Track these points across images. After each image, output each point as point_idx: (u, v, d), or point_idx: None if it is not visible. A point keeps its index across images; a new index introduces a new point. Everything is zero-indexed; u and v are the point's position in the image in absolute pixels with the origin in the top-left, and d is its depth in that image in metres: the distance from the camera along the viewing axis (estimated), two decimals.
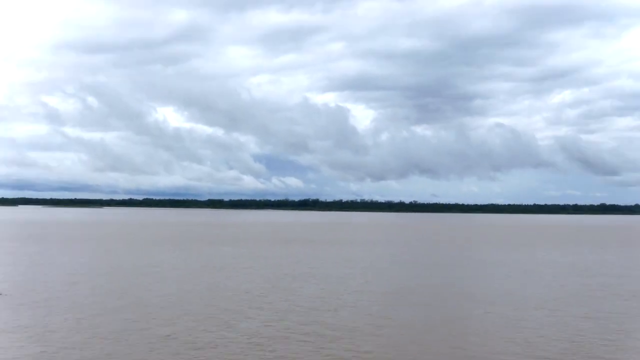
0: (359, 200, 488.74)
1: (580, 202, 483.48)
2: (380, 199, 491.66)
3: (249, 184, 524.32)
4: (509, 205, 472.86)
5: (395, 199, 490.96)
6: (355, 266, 55.22)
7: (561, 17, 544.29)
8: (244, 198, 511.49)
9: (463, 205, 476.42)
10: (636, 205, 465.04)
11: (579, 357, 23.17)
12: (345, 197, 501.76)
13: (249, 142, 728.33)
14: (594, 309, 33.54)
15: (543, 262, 62.23)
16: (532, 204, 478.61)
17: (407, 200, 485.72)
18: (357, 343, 25.11)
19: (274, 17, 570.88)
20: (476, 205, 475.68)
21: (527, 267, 56.16)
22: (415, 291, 39.84)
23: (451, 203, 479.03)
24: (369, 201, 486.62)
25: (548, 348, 24.38)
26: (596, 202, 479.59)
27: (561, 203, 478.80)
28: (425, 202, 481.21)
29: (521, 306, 34.08)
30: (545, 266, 57.60)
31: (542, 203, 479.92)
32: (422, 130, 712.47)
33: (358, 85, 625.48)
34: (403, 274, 49.99)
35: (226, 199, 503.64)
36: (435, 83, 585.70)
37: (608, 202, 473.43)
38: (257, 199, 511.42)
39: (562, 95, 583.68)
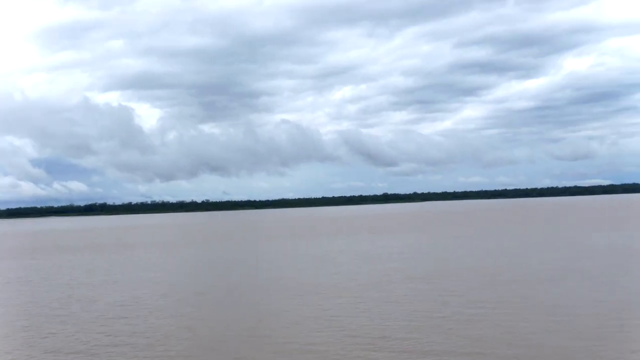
0: (149, 202, 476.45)
1: (365, 193, 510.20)
2: (171, 199, 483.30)
3: (28, 191, 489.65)
4: (299, 199, 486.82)
5: (187, 198, 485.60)
6: (156, 269, 53.88)
7: (338, 17, 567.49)
8: (23, 206, 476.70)
9: (255, 201, 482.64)
10: (414, 193, 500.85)
11: (388, 340, 24.38)
12: (134, 199, 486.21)
13: (26, 146, 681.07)
14: (392, 292, 35.48)
15: (338, 251, 64.78)
16: (320, 196, 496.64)
17: (198, 199, 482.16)
18: (171, 347, 24.54)
19: (47, 12, 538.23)
20: (267, 200, 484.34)
21: (325, 257, 58.18)
22: (221, 289, 39.71)
23: (243, 200, 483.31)
24: (159, 202, 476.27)
25: (360, 333, 25.42)
26: (379, 192, 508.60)
27: (347, 195, 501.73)
28: (218, 200, 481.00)
29: (327, 295, 35.25)
30: (341, 255, 60.03)
31: (330, 195, 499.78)
32: (210, 128, 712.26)
33: (141, 84, 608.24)
34: (206, 274, 49.66)
35: (2, 207, 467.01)
36: (221, 81, 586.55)
37: (389, 192, 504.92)
38: (38, 206, 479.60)
39: (343, 92, 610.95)
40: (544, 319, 26.56)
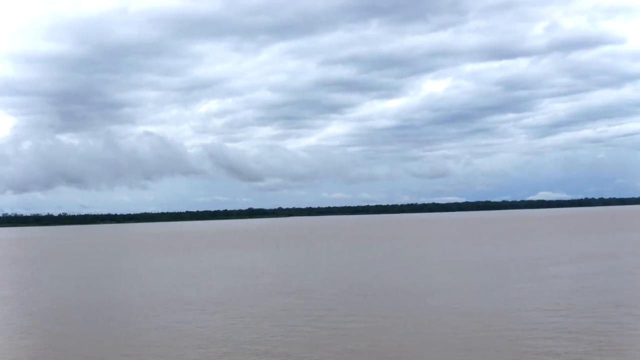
0: (0, 215, 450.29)
1: (230, 208, 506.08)
2: (25, 212, 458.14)
3: None
4: (162, 213, 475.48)
5: (42, 211, 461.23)
6: (16, 287, 50.94)
7: (205, 30, 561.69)
8: None
9: (115, 215, 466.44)
10: (279, 209, 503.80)
11: (271, 356, 24.14)
12: None
13: None
14: (268, 307, 35.26)
15: (207, 266, 63.88)
16: (184, 211, 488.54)
17: (55, 212, 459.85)
18: None
19: None
20: (129, 214, 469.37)
21: (194, 272, 57.19)
22: (87, 307, 37.96)
23: (103, 214, 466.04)
24: (12, 215, 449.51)
25: (241, 349, 25.02)
26: (244, 207, 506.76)
27: (212, 209, 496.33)
28: (76, 214, 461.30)
29: (202, 310, 34.52)
30: (210, 270, 59.22)
31: (194, 210, 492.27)
32: (69, 139, 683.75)
33: None
34: (70, 291, 47.36)
35: None
36: (81, 90, 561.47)
37: (255, 207, 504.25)
38: None
39: (209, 105, 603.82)
40: (420, 331, 27.31)
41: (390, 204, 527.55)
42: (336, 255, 73.76)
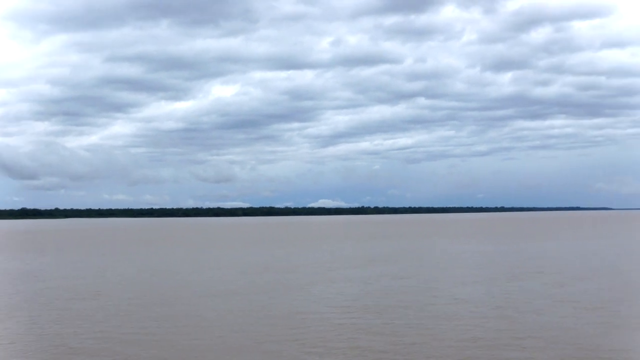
0: None
1: (0, 208, 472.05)
2: None
3: None
4: None
5: None
6: None
7: None
8: None
9: None
10: (56, 209, 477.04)
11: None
12: None
13: None
14: (68, 311, 33.73)
15: None
16: None
17: None
18: None
19: None
20: None
21: None
22: None
23: None
24: None
25: (50, 356, 23.89)
26: (16, 207, 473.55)
27: None
28: None
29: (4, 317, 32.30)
30: None
31: None
32: None
33: None
34: None
35: None
36: None
37: (28, 207, 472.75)
38: None
39: None
40: (229, 335, 27.67)
41: (175, 207, 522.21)
42: (125, 258, 71.77)
